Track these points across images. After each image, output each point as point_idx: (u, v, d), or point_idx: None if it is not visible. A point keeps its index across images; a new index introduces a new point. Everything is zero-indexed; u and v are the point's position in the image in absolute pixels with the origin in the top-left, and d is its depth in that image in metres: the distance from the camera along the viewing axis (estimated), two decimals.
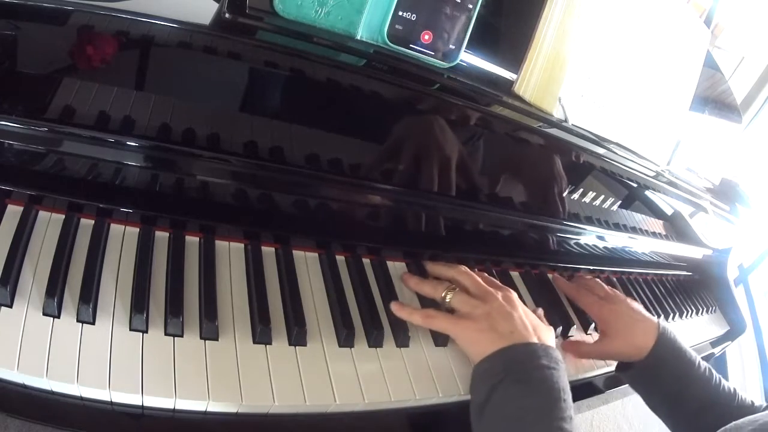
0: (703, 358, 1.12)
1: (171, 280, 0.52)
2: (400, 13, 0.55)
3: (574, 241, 0.86)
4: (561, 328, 0.75)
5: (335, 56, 0.54)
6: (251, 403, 0.47)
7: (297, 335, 0.53)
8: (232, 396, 0.47)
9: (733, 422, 0.56)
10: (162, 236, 0.56)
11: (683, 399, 0.69)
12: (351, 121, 0.59)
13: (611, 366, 0.77)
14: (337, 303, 0.59)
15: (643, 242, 1.00)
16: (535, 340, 0.57)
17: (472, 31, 0.58)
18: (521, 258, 0.82)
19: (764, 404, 0.71)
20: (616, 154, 0.77)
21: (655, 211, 0.97)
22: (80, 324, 0.46)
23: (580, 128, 0.72)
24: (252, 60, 0.51)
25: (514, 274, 0.80)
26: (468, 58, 0.61)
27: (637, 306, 0.76)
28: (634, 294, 0.98)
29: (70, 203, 0.53)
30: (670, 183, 0.91)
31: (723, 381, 0.71)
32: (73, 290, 0.47)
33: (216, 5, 0.50)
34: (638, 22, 0.75)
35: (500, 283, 0.67)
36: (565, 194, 0.77)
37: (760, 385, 1.74)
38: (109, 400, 0.44)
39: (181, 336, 0.49)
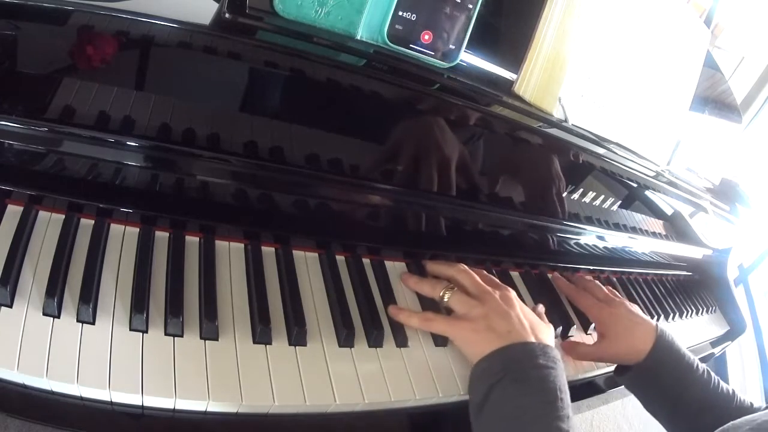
0: (703, 358, 1.13)
1: (171, 280, 0.52)
2: (400, 13, 0.55)
3: (574, 241, 0.86)
4: (561, 328, 0.75)
5: (335, 56, 0.54)
6: (251, 403, 0.47)
7: (297, 335, 0.53)
8: (232, 396, 0.47)
9: (731, 422, 0.56)
10: (162, 236, 0.56)
11: (682, 402, 0.69)
12: (351, 121, 0.59)
13: (611, 366, 0.77)
14: (337, 303, 0.59)
15: (643, 242, 1.00)
16: (532, 339, 0.57)
17: (472, 31, 0.58)
18: (521, 258, 0.82)
19: (764, 405, 0.71)
20: (616, 154, 0.77)
21: (655, 211, 0.97)
22: (80, 324, 0.46)
23: (580, 128, 0.72)
24: (252, 60, 0.51)
25: (514, 274, 0.80)
26: (468, 58, 0.61)
27: (636, 309, 0.76)
28: (634, 294, 0.98)
29: (70, 203, 0.53)
30: (670, 183, 0.91)
31: (722, 383, 0.71)
32: (73, 290, 0.47)
33: (216, 5, 0.50)
34: (638, 22, 0.75)
35: (499, 282, 0.67)
36: (565, 194, 0.77)
37: (760, 385, 1.74)
38: (109, 400, 0.44)
39: (181, 336, 0.49)
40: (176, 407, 0.45)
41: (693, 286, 1.23)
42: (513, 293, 0.63)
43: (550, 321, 0.67)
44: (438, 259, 0.71)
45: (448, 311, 0.63)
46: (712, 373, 0.72)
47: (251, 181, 0.57)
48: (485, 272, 0.68)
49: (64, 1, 0.44)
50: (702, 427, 0.65)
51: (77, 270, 0.49)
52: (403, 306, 0.63)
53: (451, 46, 0.58)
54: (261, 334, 0.51)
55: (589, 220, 0.85)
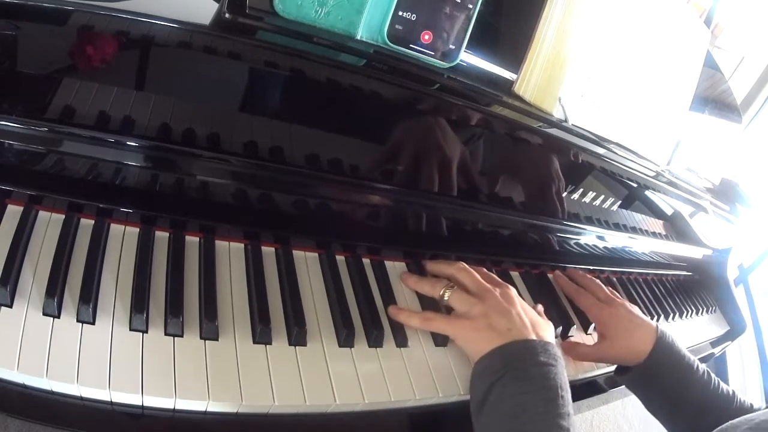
0: (703, 358, 1.13)
1: (171, 280, 0.52)
2: (400, 13, 0.55)
3: (575, 241, 0.86)
4: (561, 328, 0.75)
5: (335, 56, 0.54)
6: (251, 403, 0.47)
7: (297, 335, 0.53)
8: (232, 396, 0.47)
9: (729, 422, 0.56)
10: (162, 236, 0.56)
11: (682, 402, 0.69)
12: (351, 121, 0.59)
13: (611, 366, 0.77)
14: (337, 303, 0.59)
15: (643, 242, 1.00)
16: (533, 336, 0.57)
17: (472, 31, 0.58)
18: (521, 258, 0.82)
19: (764, 406, 0.71)
20: (616, 154, 0.77)
21: (655, 211, 0.97)
22: (80, 324, 0.46)
23: (580, 128, 0.72)
24: (252, 60, 0.51)
25: (514, 274, 0.80)
26: (468, 58, 0.61)
27: (636, 310, 0.76)
28: (634, 294, 0.98)
29: (70, 203, 0.53)
30: (670, 183, 0.91)
31: (722, 384, 0.71)
32: (73, 290, 0.47)
33: (216, 5, 0.50)
34: (638, 22, 0.75)
35: (499, 279, 0.66)
36: (565, 194, 0.77)
37: (760, 385, 1.74)
38: (109, 400, 0.44)
39: (181, 336, 0.49)
40: (176, 407, 0.45)
41: (693, 286, 1.23)
42: (513, 291, 0.63)
43: (550, 321, 0.67)
44: (438, 259, 0.71)
45: (449, 310, 0.63)
46: (712, 374, 0.72)
47: (251, 181, 0.57)
48: (485, 270, 0.68)
49: (64, 1, 0.44)
50: (702, 428, 0.65)
51: (77, 270, 0.49)
52: (403, 306, 0.63)
53: (451, 46, 0.58)
54: (261, 334, 0.51)
55: (589, 220, 0.85)
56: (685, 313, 1.10)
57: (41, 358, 0.42)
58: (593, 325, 0.79)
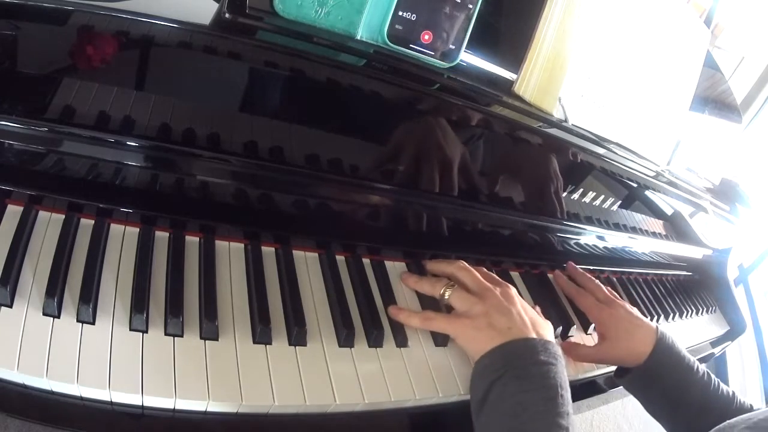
0: (703, 358, 1.13)
1: (171, 280, 0.52)
2: (400, 13, 0.55)
3: (575, 241, 0.86)
4: (561, 328, 0.75)
5: (335, 56, 0.54)
6: (251, 403, 0.47)
7: (297, 335, 0.53)
8: (232, 396, 0.47)
9: (727, 421, 0.56)
10: (162, 236, 0.56)
11: (682, 404, 0.69)
12: (351, 121, 0.59)
13: (611, 366, 0.77)
14: (337, 303, 0.59)
15: (643, 242, 1.00)
16: (533, 335, 0.57)
17: (472, 31, 0.58)
18: (521, 258, 0.82)
19: (763, 406, 0.71)
20: (616, 154, 0.77)
21: (655, 211, 0.97)
22: (80, 324, 0.46)
23: (580, 128, 0.72)
24: (252, 60, 0.51)
25: (515, 274, 0.80)
26: (468, 58, 0.61)
27: (635, 311, 0.76)
28: (634, 294, 0.98)
29: (70, 203, 0.53)
30: (670, 183, 0.91)
31: (722, 385, 0.71)
32: (73, 290, 0.47)
33: (216, 5, 0.50)
34: (638, 22, 0.75)
35: (499, 279, 0.66)
36: (565, 194, 0.77)
37: (760, 385, 1.74)
38: (109, 400, 0.44)
39: (181, 336, 0.49)
40: (176, 407, 0.45)
41: (693, 286, 1.23)
42: (513, 290, 0.63)
43: (550, 321, 0.67)
44: (438, 259, 0.71)
45: (449, 310, 0.63)
46: (712, 375, 0.72)
47: (251, 181, 0.57)
48: (485, 269, 0.68)
49: (64, 1, 0.44)
50: (702, 428, 0.65)
51: (77, 270, 0.49)
52: (403, 306, 0.63)
53: (451, 46, 0.58)
54: (261, 334, 0.51)
55: (589, 220, 0.85)
56: (685, 313, 1.10)
57: (41, 358, 0.42)
58: (593, 325, 0.79)
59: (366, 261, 0.66)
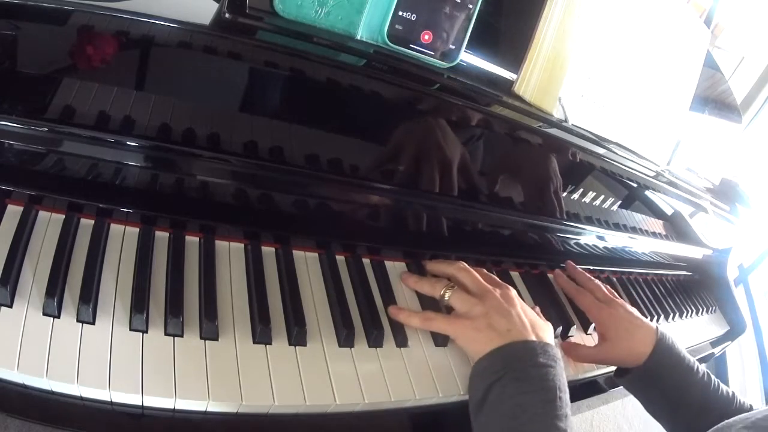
0: (703, 358, 1.13)
1: (171, 280, 0.52)
2: (400, 13, 0.55)
3: (575, 241, 0.86)
4: (561, 328, 0.75)
5: (335, 56, 0.54)
6: (251, 403, 0.47)
7: (297, 335, 0.53)
8: (232, 396, 0.47)
9: (725, 421, 0.56)
10: (162, 236, 0.56)
11: (682, 404, 0.69)
12: (351, 121, 0.59)
13: (612, 366, 0.77)
14: (337, 303, 0.59)
15: (643, 242, 1.00)
16: (533, 337, 0.57)
17: (472, 31, 0.58)
18: (521, 258, 0.82)
19: (763, 406, 0.71)
20: (616, 154, 0.77)
21: (655, 211, 0.97)
22: (80, 324, 0.46)
23: (580, 128, 0.72)
24: (252, 60, 0.51)
25: (515, 274, 0.80)
26: (468, 58, 0.61)
27: (635, 311, 0.76)
28: (634, 294, 0.98)
29: (70, 203, 0.53)
30: (670, 183, 0.91)
31: (721, 385, 0.71)
32: (73, 290, 0.47)
33: (216, 5, 0.50)
34: (638, 22, 0.75)
35: (499, 280, 0.67)
36: (565, 194, 0.77)
37: (760, 385, 1.74)
38: (109, 400, 0.44)
39: (181, 336, 0.49)
40: (176, 407, 0.45)
41: (693, 286, 1.23)
42: (513, 291, 0.63)
43: (550, 321, 0.67)
44: (438, 259, 0.71)
45: (449, 310, 0.63)
46: (712, 376, 0.72)
47: (251, 181, 0.57)
48: (485, 270, 0.68)
49: (64, 1, 0.44)
50: (702, 429, 0.65)
51: (77, 270, 0.49)
52: (403, 306, 0.63)
53: (451, 46, 0.58)
54: (261, 334, 0.51)
55: (589, 220, 0.85)
56: (685, 313, 1.10)
57: (41, 358, 0.42)
58: (593, 325, 0.79)
59: (366, 261, 0.66)
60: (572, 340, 0.76)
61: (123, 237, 0.54)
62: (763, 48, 1.95)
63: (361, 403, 0.52)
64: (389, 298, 0.63)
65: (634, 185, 0.86)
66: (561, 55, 0.67)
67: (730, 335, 1.27)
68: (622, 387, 0.75)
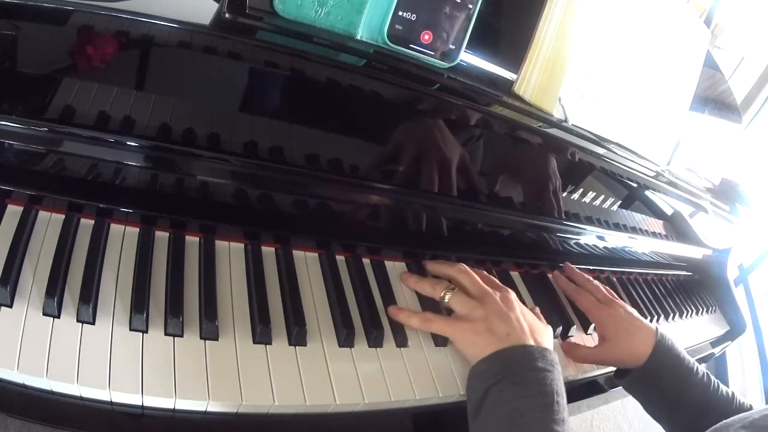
0: (703, 358, 1.13)
1: (171, 280, 0.52)
2: (400, 13, 0.55)
3: (574, 241, 0.86)
4: (561, 328, 0.75)
5: (335, 56, 0.54)
6: (251, 403, 0.47)
7: (297, 335, 0.53)
8: (232, 396, 0.47)
9: (723, 421, 0.56)
10: (162, 236, 0.56)
11: (682, 405, 0.70)
12: (351, 121, 0.59)
13: (612, 366, 0.77)
14: (337, 303, 0.59)
15: (643, 242, 1.00)
16: (531, 342, 0.57)
17: (472, 31, 0.58)
18: (521, 258, 0.82)
19: (763, 406, 0.71)
20: (616, 154, 0.77)
21: (655, 211, 0.97)
22: (80, 324, 0.46)
23: (580, 128, 0.72)
24: (252, 60, 0.51)
25: (514, 274, 0.80)
26: (468, 58, 0.61)
27: (635, 312, 0.76)
28: (634, 294, 0.98)
29: (70, 203, 0.53)
30: (670, 183, 0.91)
31: (721, 386, 0.71)
32: (73, 290, 0.47)
33: (216, 5, 0.50)
34: (638, 22, 0.75)
35: (499, 283, 0.67)
36: (565, 194, 0.77)
37: (760, 385, 1.74)
38: (109, 400, 0.44)
39: (181, 336, 0.49)
40: (176, 407, 0.45)
41: (693, 286, 1.23)
42: (513, 295, 0.63)
43: (550, 321, 0.67)
44: (438, 259, 0.71)
45: (449, 311, 0.63)
46: (712, 377, 0.72)
47: (251, 181, 0.57)
48: (485, 273, 0.68)
49: (64, 1, 0.44)
50: (701, 429, 0.65)
51: (77, 270, 0.49)
52: (403, 306, 0.63)
53: (451, 46, 0.58)
54: (261, 334, 0.51)
55: (589, 220, 0.85)
56: (685, 313, 1.10)
57: (41, 358, 0.42)
58: (593, 325, 0.79)
59: (366, 261, 0.66)
60: (572, 340, 0.76)
61: (123, 237, 0.54)
62: (763, 48, 1.95)
63: (361, 403, 0.52)
64: (389, 298, 0.63)
65: (634, 185, 0.86)
66: (561, 55, 0.67)
67: (730, 335, 1.27)
68: (621, 387, 0.75)
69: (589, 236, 0.87)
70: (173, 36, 0.48)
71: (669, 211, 1.00)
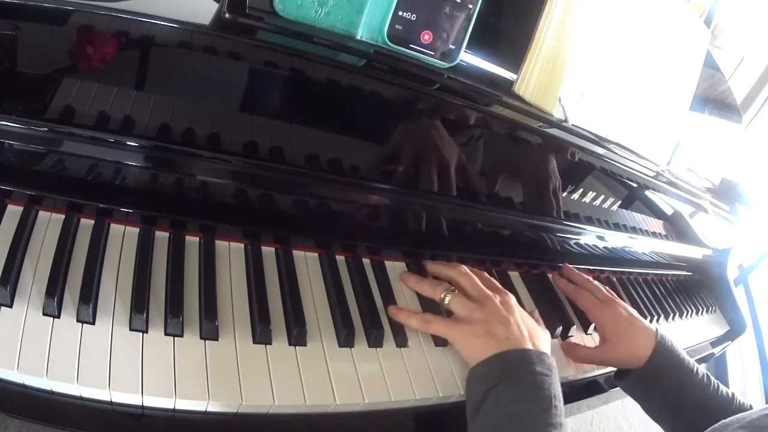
0: (703, 358, 1.13)
1: (171, 280, 0.52)
2: (400, 13, 0.55)
3: (574, 241, 0.86)
4: (561, 328, 0.75)
5: (335, 56, 0.54)
6: (251, 403, 0.47)
7: (297, 335, 0.53)
8: (232, 396, 0.47)
9: (721, 421, 0.56)
10: (162, 236, 0.56)
11: (682, 406, 0.70)
12: (351, 121, 0.59)
13: (612, 367, 0.77)
14: (337, 303, 0.59)
15: (643, 242, 1.00)
16: (530, 346, 0.57)
17: (472, 31, 0.58)
18: (521, 258, 0.82)
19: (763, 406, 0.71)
20: (616, 154, 0.77)
21: (655, 211, 0.97)
22: (80, 324, 0.46)
23: (580, 128, 0.72)
24: (252, 60, 0.51)
25: (514, 274, 0.80)
26: (468, 58, 0.61)
27: (635, 312, 0.76)
28: (634, 294, 0.98)
29: (70, 203, 0.53)
30: (670, 183, 0.91)
31: (721, 386, 0.71)
32: (73, 290, 0.47)
33: (216, 5, 0.50)
34: (638, 22, 0.75)
35: (500, 286, 0.67)
36: (565, 194, 0.77)
37: (760, 385, 1.74)
38: (109, 400, 0.44)
39: (181, 336, 0.49)
40: (176, 407, 0.45)
41: (693, 286, 1.23)
42: (513, 299, 0.64)
43: (550, 321, 0.67)
44: (438, 259, 0.71)
45: (449, 313, 0.63)
46: (712, 377, 0.72)
47: (251, 181, 0.57)
48: (486, 275, 0.68)
49: (64, 1, 0.44)
50: (702, 430, 0.65)
51: (77, 270, 0.49)
52: (403, 306, 0.63)
53: (451, 46, 0.58)
54: (261, 334, 0.51)
55: (589, 220, 0.85)
56: (685, 313, 1.10)
57: (41, 358, 0.42)
58: (593, 325, 0.79)
59: (366, 261, 0.66)
60: (572, 340, 0.76)
61: (123, 237, 0.54)
62: (763, 48, 1.95)
63: (361, 403, 0.52)
64: (389, 298, 0.63)
65: (634, 185, 0.86)
66: (561, 55, 0.67)
67: (730, 335, 1.27)
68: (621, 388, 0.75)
69: (589, 236, 0.87)
70: (173, 36, 0.48)
71: (669, 211, 1.00)
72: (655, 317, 0.98)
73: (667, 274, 1.17)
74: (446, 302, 0.62)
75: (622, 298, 0.81)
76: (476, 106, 0.62)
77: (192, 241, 0.57)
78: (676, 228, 1.05)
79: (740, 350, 1.72)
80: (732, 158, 1.13)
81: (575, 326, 0.77)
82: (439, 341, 0.61)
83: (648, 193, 0.91)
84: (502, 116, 0.65)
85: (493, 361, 0.55)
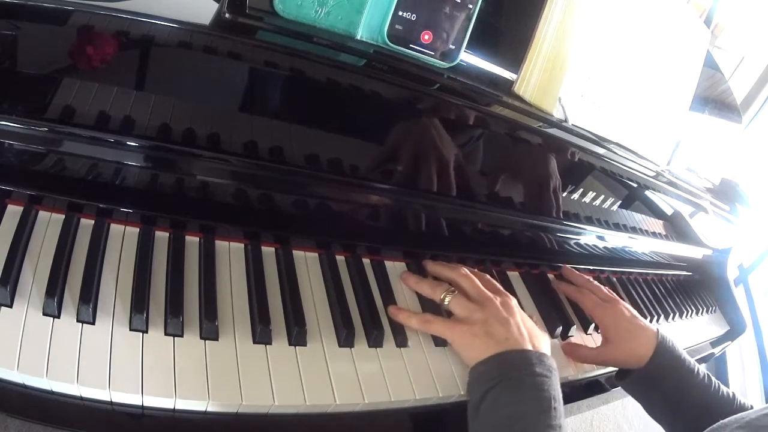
0: (703, 358, 1.13)
1: (171, 280, 0.52)
2: (400, 13, 0.55)
3: (574, 241, 0.86)
4: (561, 328, 0.75)
5: (335, 56, 0.54)
6: (251, 403, 0.47)
7: (297, 335, 0.53)
8: (232, 396, 0.47)
9: (721, 421, 0.56)
10: (162, 236, 0.56)
11: (683, 406, 0.70)
12: (351, 121, 0.59)
13: (613, 367, 0.77)
14: (337, 303, 0.59)
15: (643, 242, 1.00)
16: (529, 347, 0.57)
17: (472, 30, 0.58)
18: (521, 258, 0.82)
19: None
20: (616, 154, 0.77)
21: (655, 211, 0.97)
22: (80, 324, 0.46)
23: (580, 128, 0.72)
24: (252, 60, 0.51)
25: (515, 274, 0.80)
26: (468, 58, 0.61)
27: (636, 312, 0.76)
28: (634, 294, 0.98)
29: (70, 203, 0.53)
30: (670, 183, 0.91)
31: (722, 386, 0.71)
32: (73, 290, 0.47)
33: (216, 5, 0.50)
34: (638, 22, 0.75)
35: (500, 287, 0.67)
36: (565, 194, 0.77)
37: (760, 385, 1.74)
38: (109, 400, 0.44)
39: (181, 336, 0.49)
40: (176, 407, 0.45)
41: (693, 286, 1.23)
42: (513, 300, 0.64)
43: (550, 321, 0.67)
44: (438, 259, 0.71)
45: (449, 314, 0.63)
46: (713, 377, 0.72)
47: (251, 181, 0.57)
48: (487, 277, 0.68)
49: (64, 1, 0.44)
50: (702, 430, 0.65)
51: (77, 270, 0.49)
52: (403, 306, 0.63)
53: (451, 46, 0.58)
54: (261, 334, 0.51)
55: (589, 220, 0.85)
56: (685, 313, 1.10)
57: (41, 358, 0.42)
58: (593, 325, 0.79)
59: (366, 261, 0.66)
60: (572, 340, 0.76)
61: (123, 237, 0.54)
62: (763, 48, 1.95)
63: (361, 403, 0.52)
64: (389, 298, 0.63)
65: (634, 185, 0.86)
66: (561, 55, 0.67)
67: (730, 335, 1.27)
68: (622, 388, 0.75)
69: (589, 236, 0.87)
70: (173, 36, 0.48)
71: (669, 211, 1.00)
72: (655, 317, 0.98)
73: (667, 274, 1.17)
74: (446, 303, 0.62)
75: (622, 298, 0.81)
76: (476, 106, 0.62)
77: (192, 241, 0.57)
78: (676, 228, 1.05)
79: (740, 350, 1.72)
80: (732, 158, 1.13)
81: (575, 326, 0.77)
82: (439, 341, 0.61)
83: (648, 193, 0.91)
84: (502, 116, 0.65)
85: (492, 361, 0.55)
